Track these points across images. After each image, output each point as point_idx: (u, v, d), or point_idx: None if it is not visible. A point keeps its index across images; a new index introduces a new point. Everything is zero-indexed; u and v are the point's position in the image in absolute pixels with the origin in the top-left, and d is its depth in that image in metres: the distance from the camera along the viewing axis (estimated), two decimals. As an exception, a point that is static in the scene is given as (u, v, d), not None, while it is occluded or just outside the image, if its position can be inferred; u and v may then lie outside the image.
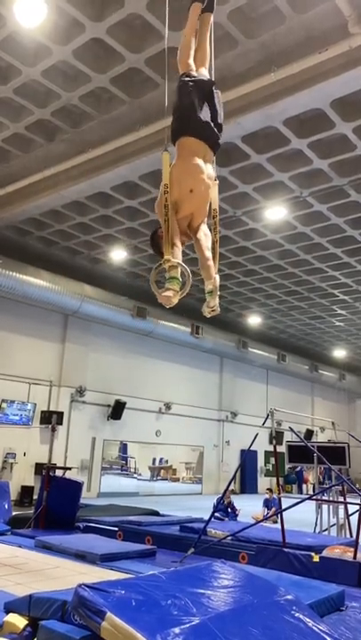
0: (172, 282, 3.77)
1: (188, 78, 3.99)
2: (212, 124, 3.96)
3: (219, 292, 3.99)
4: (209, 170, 3.98)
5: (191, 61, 4.10)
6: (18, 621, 3.86)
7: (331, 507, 9.50)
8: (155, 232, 4.04)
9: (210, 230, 4.14)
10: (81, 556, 6.38)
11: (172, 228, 3.78)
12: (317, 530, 9.39)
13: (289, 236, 13.42)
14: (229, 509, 11.80)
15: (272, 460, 23.20)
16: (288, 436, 12.44)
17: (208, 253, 4.01)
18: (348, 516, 8.81)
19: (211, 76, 4.35)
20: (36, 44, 7.90)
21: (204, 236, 4.05)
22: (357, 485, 14.43)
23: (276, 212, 12.13)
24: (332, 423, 11.26)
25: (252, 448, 8.80)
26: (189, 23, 4.16)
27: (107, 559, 6.26)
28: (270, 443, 11.29)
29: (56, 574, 5.46)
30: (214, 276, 3.96)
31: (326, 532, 9.30)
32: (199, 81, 4.02)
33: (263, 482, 23.40)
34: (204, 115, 3.92)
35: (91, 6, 7.27)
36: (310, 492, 20.29)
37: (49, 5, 7.06)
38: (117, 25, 7.46)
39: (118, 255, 15.11)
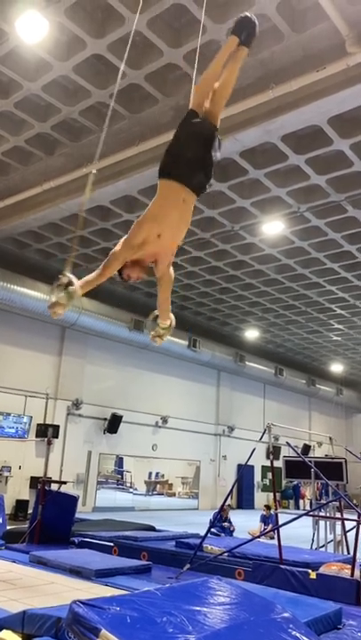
0: (60, 294, 3.78)
1: (193, 119, 3.80)
2: (203, 172, 3.83)
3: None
4: (186, 216, 3.89)
5: (207, 102, 3.86)
6: (11, 638, 3.81)
7: (328, 523, 9.43)
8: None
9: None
10: (76, 572, 6.31)
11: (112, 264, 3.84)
12: (314, 546, 9.32)
13: (286, 250, 13.48)
14: (226, 524, 11.70)
15: (269, 475, 23.09)
16: (285, 451, 12.40)
17: (169, 294, 4.16)
18: (345, 532, 8.74)
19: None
20: (38, 59, 8.00)
21: (169, 279, 4.10)
22: (355, 501, 14.37)
23: (273, 227, 12.19)
24: (330, 438, 11.21)
25: (249, 463, 8.76)
26: (221, 55, 3.86)
27: (102, 575, 6.20)
28: (267, 457, 11.25)
29: (50, 590, 5.40)
30: (171, 316, 4.19)
31: (323, 549, 9.23)
32: (204, 127, 3.81)
33: (260, 497, 23.27)
34: (197, 162, 3.78)
35: (92, 23, 7.37)
36: (307, 508, 20.16)
37: (50, 22, 7.16)
38: (118, 42, 7.56)
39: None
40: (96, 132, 9.44)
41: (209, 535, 7.91)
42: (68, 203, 10.91)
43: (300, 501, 24.83)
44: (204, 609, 3.85)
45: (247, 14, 3.83)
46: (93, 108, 9.04)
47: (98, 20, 7.40)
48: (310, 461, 9.27)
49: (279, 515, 7.86)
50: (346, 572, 6.35)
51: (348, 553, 8.09)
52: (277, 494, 9.19)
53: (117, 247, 3.85)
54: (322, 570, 6.52)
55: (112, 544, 8.41)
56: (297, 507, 24.34)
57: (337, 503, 9.09)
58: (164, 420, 20.27)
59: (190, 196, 3.83)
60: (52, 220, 12.12)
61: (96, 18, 7.38)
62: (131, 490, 22.06)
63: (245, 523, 13.66)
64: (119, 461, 21.27)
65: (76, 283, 3.74)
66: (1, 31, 7.48)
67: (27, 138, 9.79)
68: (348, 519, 8.30)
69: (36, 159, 10.50)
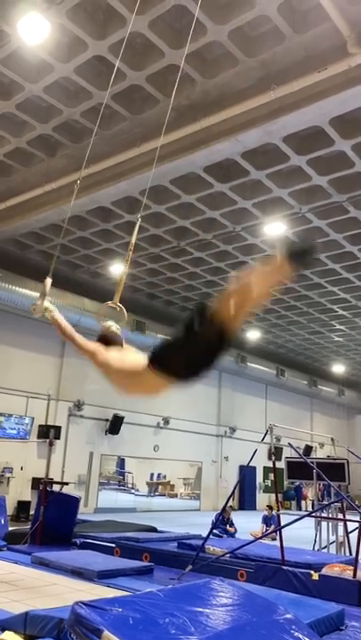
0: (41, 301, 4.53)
1: (208, 325, 3.15)
2: (197, 374, 3.49)
3: None
4: (157, 393, 3.73)
5: (233, 314, 3.21)
6: (13, 640, 3.80)
7: (330, 524, 9.42)
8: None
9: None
10: (78, 573, 6.32)
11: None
12: (316, 547, 9.31)
13: (288, 251, 13.45)
14: (228, 526, 11.69)
15: (271, 476, 23.06)
16: (287, 452, 12.39)
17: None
18: (347, 533, 8.73)
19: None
20: (39, 60, 8.01)
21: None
22: (357, 502, 14.35)
23: (275, 228, 12.18)
24: (332, 439, 11.20)
25: (250, 464, 8.76)
26: (264, 273, 3.21)
27: (104, 576, 6.20)
28: (269, 458, 11.24)
29: (53, 591, 5.40)
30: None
31: (326, 550, 9.22)
32: (217, 337, 3.22)
33: (262, 498, 23.23)
34: (196, 366, 3.43)
35: (93, 25, 7.38)
36: (309, 509, 20.13)
37: (52, 23, 7.16)
38: (119, 43, 7.55)
39: (118, 269, 15.13)
40: (97, 133, 9.44)
41: (211, 536, 7.90)
42: (70, 204, 10.91)
43: (303, 502, 24.79)
44: (207, 610, 3.84)
45: (311, 244, 3.11)
46: (94, 109, 9.04)
47: (99, 22, 7.41)
48: (312, 462, 9.26)
49: (281, 516, 7.85)
50: (348, 574, 6.34)
51: (351, 554, 8.08)
52: (279, 495, 9.17)
53: (89, 347, 3.87)
54: (324, 571, 6.51)
55: (114, 545, 8.41)
56: (299, 508, 24.29)
57: (339, 504, 9.08)
58: (166, 421, 20.25)
59: (173, 383, 3.52)
60: (54, 222, 12.12)
61: (97, 19, 7.39)
62: (132, 491, 22.07)
63: (247, 524, 13.63)
64: (121, 462, 21.27)
65: (50, 304, 4.43)
66: (3, 33, 7.50)
67: (28, 139, 9.80)
68: (350, 520, 8.30)
69: (38, 160, 10.51)
